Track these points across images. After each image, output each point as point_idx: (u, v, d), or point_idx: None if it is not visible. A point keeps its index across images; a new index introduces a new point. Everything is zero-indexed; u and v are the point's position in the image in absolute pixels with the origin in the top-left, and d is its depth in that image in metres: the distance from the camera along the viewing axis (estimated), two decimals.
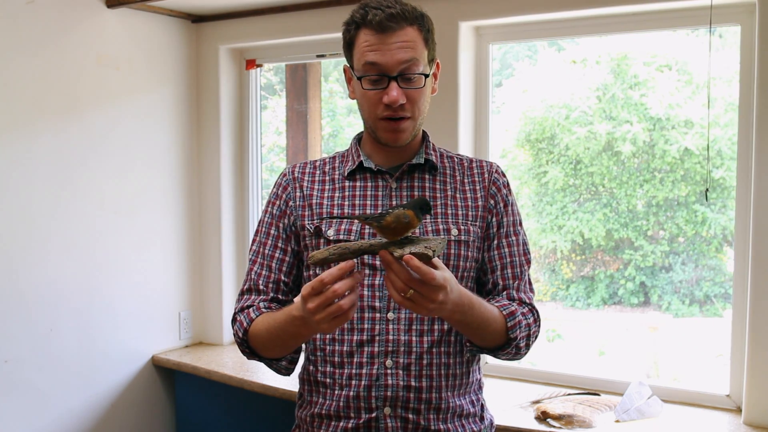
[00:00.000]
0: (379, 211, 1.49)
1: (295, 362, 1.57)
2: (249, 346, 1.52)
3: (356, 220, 1.51)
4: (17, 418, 2.65)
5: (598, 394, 2.45)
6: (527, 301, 1.55)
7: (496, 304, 1.46)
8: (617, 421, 2.26)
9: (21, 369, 2.65)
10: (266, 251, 1.58)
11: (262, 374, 2.75)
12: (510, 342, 1.47)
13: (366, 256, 1.49)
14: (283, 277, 1.57)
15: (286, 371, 1.57)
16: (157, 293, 3.11)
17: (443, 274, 1.25)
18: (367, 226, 1.49)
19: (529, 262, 1.59)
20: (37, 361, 2.70)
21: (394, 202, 1.53)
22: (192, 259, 3.24)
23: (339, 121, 5.70)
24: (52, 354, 2.74)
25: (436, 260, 1.26)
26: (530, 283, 1.59)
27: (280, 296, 1.57)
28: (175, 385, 3.18)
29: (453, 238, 1.50)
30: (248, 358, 1.56)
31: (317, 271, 1.53)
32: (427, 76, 1.48)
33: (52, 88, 2.69)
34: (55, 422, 2.77)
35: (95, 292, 2.87)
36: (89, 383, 2.88)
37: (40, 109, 2.66)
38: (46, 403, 2.74)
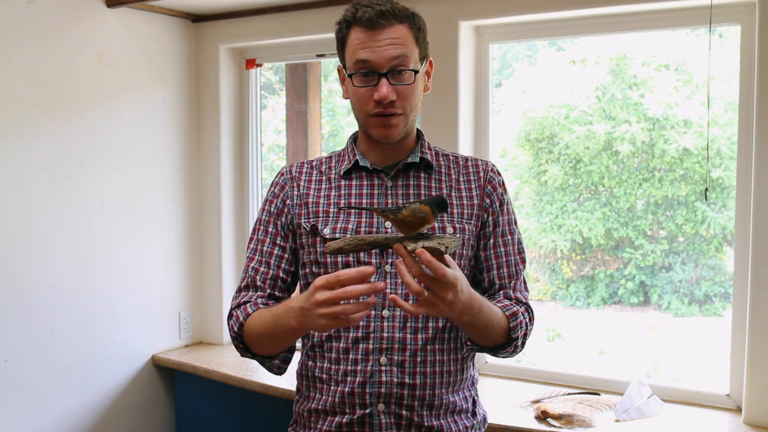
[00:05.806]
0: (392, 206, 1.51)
1: (287, 362, 1.57)
2: (243, 341, 1.52)
3: (356, 214, 1.52)
4: (17, 418, 2.65)
5: (598, 394, 2.45)
6: (523, 300, 1.57)
7: (499, 305, 1.48)
8: (617, 420, 2.26)
9: (21, 369, 2.65)
10: (264, 248, 1.58)
11: (261, 374, 2.75)
12: (510, 342, 1.50)
13: (363, 255, 1.50)
14: (281, 274, 1.58)
15: (278, 370, 1.57)
16: (157, 293, 3.11)
17: (455, 272, 1.25)
18: (363, 224, 1.51)
19: (524, 261, 1.60)
20: (37, 361, 2.70)
21: (389, 201, 1.53)
22: (192, 259, 3.24)
23: (339, 120, 5.68)
24: (52, 354, 2.74)
25: (449, 260, 1.27)
26: (525, 283, 1.61)
27: (277, 293, 1.57)
28: (175, 384, 3.18)
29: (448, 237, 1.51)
30: (242, 355, 1.55)
31: (313, 270, 1.54)
32: (416, 72, 1.48)
33: (52, 87, 2.69)
34: (55, 422, 2.77)
35: (95, 291, 2.87)
36: (89, 383, 2.88)
37: (40, 108, 2.66)
38: (46, 403, 2.74)
